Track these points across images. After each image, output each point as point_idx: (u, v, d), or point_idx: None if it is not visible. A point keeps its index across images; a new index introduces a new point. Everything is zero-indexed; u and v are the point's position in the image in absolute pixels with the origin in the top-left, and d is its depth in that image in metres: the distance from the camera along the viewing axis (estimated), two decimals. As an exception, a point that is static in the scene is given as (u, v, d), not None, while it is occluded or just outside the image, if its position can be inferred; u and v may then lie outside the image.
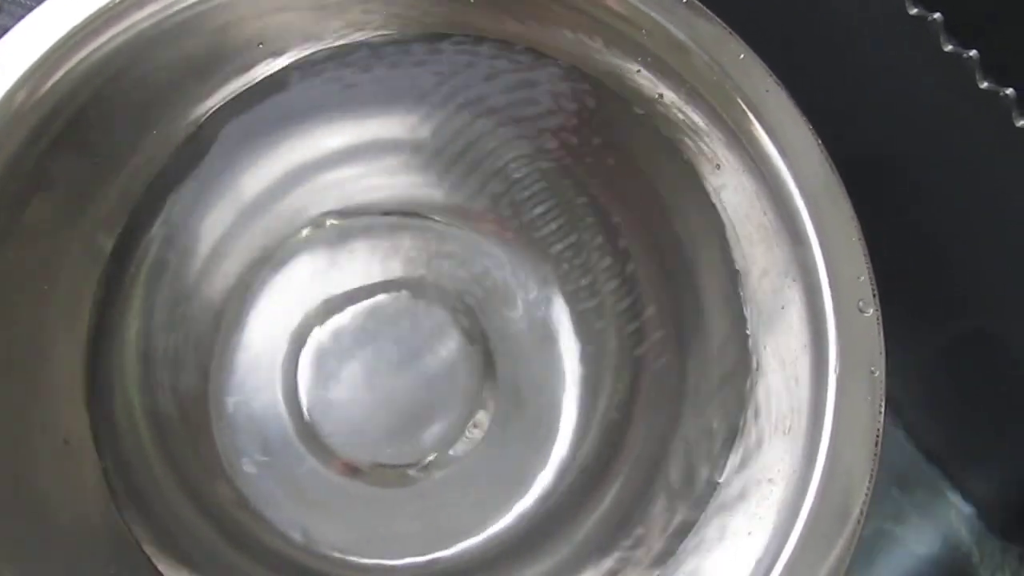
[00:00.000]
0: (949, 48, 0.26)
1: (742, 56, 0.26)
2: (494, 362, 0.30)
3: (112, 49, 0.25)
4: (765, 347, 0.26)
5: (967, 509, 0.35)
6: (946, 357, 0.34)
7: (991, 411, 0.33)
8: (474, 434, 0.30)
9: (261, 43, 0.28)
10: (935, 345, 0.34)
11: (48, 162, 0.25)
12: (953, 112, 0.28)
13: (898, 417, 0.36)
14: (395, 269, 0.31)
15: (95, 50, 0.25)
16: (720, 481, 0.26)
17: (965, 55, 0.26)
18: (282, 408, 0.29)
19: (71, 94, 0.25)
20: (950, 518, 0.35)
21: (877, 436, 0.24)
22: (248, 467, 0.29)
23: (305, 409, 0.29)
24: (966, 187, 0.29)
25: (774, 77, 0.26)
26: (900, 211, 0.31)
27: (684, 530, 0.26)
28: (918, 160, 0.30)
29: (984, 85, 0.26)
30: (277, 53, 0.28)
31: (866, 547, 0.35)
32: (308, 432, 0.29)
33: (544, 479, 0.29)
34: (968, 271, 0.31)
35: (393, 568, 0.29)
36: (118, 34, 0.25)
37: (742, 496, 0.25)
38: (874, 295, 0.25)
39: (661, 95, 0.27)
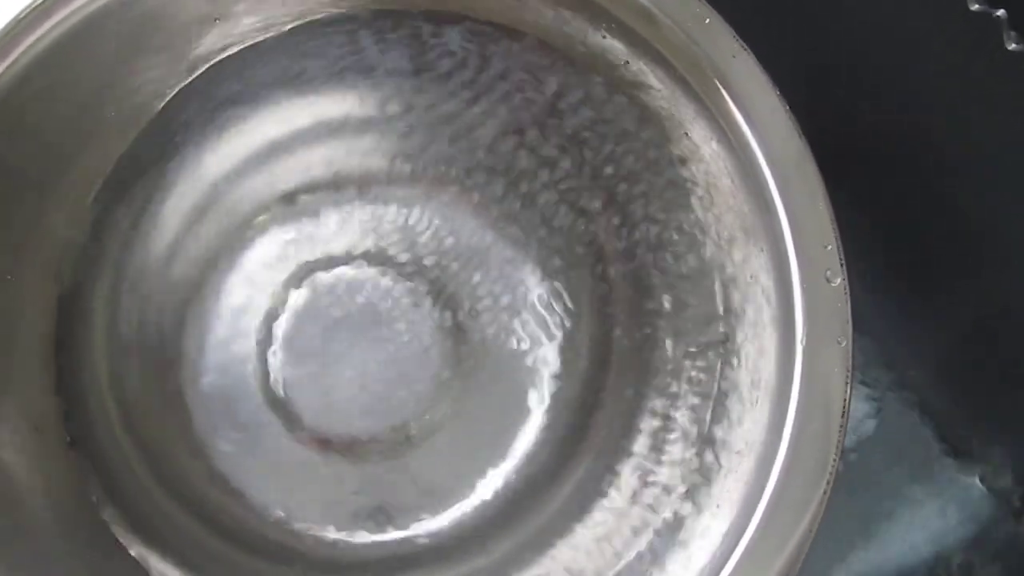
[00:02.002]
0: (976, 7, 0.26)
1: (708, 20, 0.26)
2: (467, 333, 0.30)
3: (60, 35, 0.24)
4: (733, 318, 0.26)
5: (981, 489, 0.35)
6: (964, 335, 0.34)
7: (1009, 390, 0.33)
8: (448, 406, 0.30)
9: (217, 18, 0.27)
10: (955, 323, 0.34)
11: (5, 153, 0.25)
12: (979, 74, 0.27)
13: (914, 396, 0.36)
14: (367, 242, 0.30)
15: (41, 37, 0.24)
16: (689, 454, 0.26)
17: (993, 14, 0.25)
18: (256, 385, 0.29)
19: (20, 83, 0.24)
20: (964, 498, 0.35)
21: (844, 408, 0.24)
22: (224, 445, 0.29)
23: (279, 385, 0.29)
24: (992, 155, 0.29)
25: (740, 42, 0.26)
26: (920, 183, 0.31)
27: (656, 504, 0.26)
28: (942, 127, 0.30)
29: (1012, 46, 0.25)
30: (236, 31, 0.27)
31: (879, 526, 0.35)
32: (282, 408, 0.29)
33: (517, 452, 0.29)
34: (992, 246, 0.31)
35: (372, 543, 0.29)
36: (65, 18, 0.24)
37: (710, 469, 0.25)
38: (841, 264, 0.24)
39: (627, 62, 0.27)
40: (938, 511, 0.35)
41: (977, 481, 0.35)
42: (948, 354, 0.35)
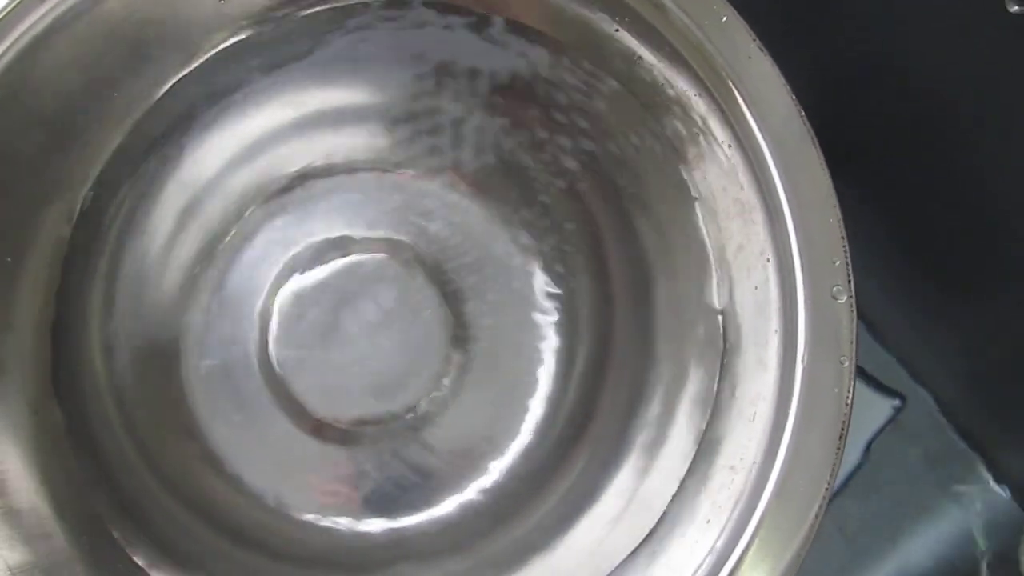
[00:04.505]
0: (1015, 9, 0.24)
1: (725, 18, 0.25)
2: (469, 322, 0.30)
3: (55, 19, 0.24)
4: (735, 327, 0.26)
5: (1000, 486, 0.35)
6: (988, 336, 0.33)
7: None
8: (448, 394, 0.30)
9: (222, 1, 0.27)
10: (979, 325, 0.33)
11: (2, 140, 0.25)
12: (1018, 77, 0.26)
13: (937, 399, 0.35)
14: (371, 227, 0.30)
15: (37, 21, 0.24)
16: (682, 464, 0.26)
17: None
18: (255, 369, 0.29)
19: (16, 69, 0.24)
20: (988, 501, 0.35)
21: (842, 430, 0.23)
22: (221, 428, 0.29)
23: (279, 369, 0.29)
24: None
25: (758, 42, 0.25)
26: (947, 183, 0.30)
27: (646, 513, 0.26)
28: (976, 129, 0.29)
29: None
30: (235, 21, 0.27)
31: (902, 529, 0.35)
32: (281, 392, 0.29)
33: (513, 448, 0.29)
34: (1018, 246, 0.30)
35: (366, 533, 0.29)
36: (60, 2, 0.24)
37: (704, 482, 0.25)
38: (849, 281, 0.24)
39: (640, 57, 0.26)
40: (962, 515, 0.35)
41: (1002, 484, 0.35)
42: (971, 356, 0.34)
